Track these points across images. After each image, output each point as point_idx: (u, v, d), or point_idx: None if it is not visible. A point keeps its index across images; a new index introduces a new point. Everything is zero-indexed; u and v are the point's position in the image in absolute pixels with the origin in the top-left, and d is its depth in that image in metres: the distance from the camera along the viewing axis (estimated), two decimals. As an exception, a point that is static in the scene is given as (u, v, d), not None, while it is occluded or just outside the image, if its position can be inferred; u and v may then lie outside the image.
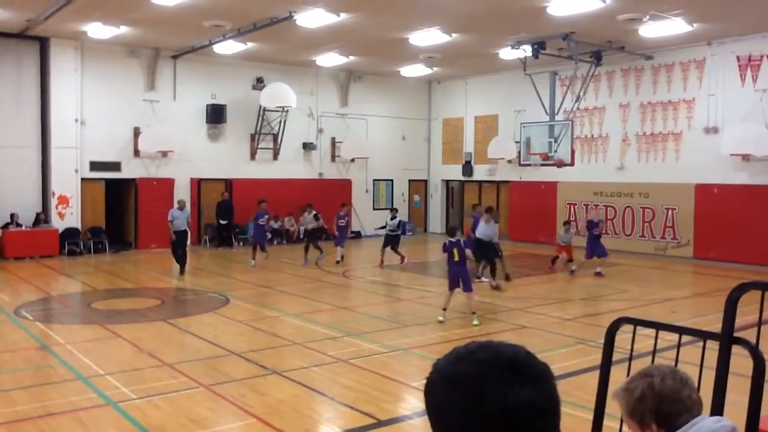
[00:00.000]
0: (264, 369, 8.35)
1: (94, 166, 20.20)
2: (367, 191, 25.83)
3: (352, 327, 10.79)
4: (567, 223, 17.75)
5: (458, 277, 10.98)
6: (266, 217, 18.49)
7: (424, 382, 1.23)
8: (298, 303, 12.95)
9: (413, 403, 7.27)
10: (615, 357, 3.48)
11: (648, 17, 15.89)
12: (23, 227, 19.03)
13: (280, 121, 22.85)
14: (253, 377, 8.05)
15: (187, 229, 16.65)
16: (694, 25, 16.51)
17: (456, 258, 10.90)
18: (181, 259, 16.32)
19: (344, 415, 6.91)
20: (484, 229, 14.62)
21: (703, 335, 3.41)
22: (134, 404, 7.09)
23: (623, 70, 20.86)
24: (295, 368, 8.42)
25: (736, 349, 3.08)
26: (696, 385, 2.18)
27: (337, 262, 17.99)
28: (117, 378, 7.99)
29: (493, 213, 15.35)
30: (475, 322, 10.84)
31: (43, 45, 19.38)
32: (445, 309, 11.03)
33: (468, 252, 11.26)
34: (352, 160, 25.05)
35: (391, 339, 9.95)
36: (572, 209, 22.20)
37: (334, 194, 22.74)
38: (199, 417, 6.74)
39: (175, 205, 17.39)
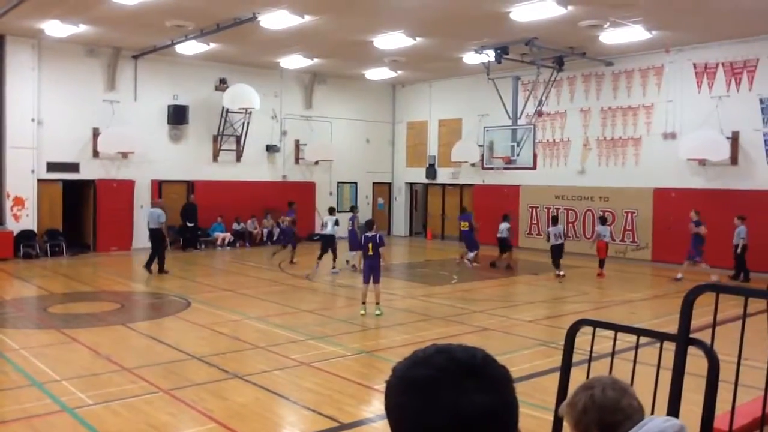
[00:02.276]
0: (225, 373, 8.25)
1: (52, 167, 19.73)
2: (331, 194, 25.76)
3: (315, 330, 10.74)
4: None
5: (371, 270, 11.61)
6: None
7: (387, 384, 1.23)
8: (261, 306, 12.83)
9: (376, 405, 7.25)
10: (575, 358, 3.52)
11: (608, 24, 16.17)
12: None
13: (244, 123, 22.66)
14: (215, 381, 7.94)
15: (159, 228, 16.57)
16: (653, 32, 16.86)
17: (370, 252, 11.55)
18: (150, 258, 16.21)
19: (306, 418, 6.87)
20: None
21: (661, 336, 3.48)
22: (91, 410, 6.94)
23: (584, 76, 21.19)
24: (257, 372, 8.33)
25: (692, 350, 3.14)
26: (639, 389, 2.25)
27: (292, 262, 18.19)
28: (74, 383, 7.82)
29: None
30: (378, 312, 11.63)
31: (-1, 42, 18.90)
32: (364, 303, 11.74)
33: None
34: (316, 163, 24.96)
35: (354, 342, 9.93)
36: (534, 212, 22.47)
37: (297, 196, 22.61)
38: (159, 422, 6.62)
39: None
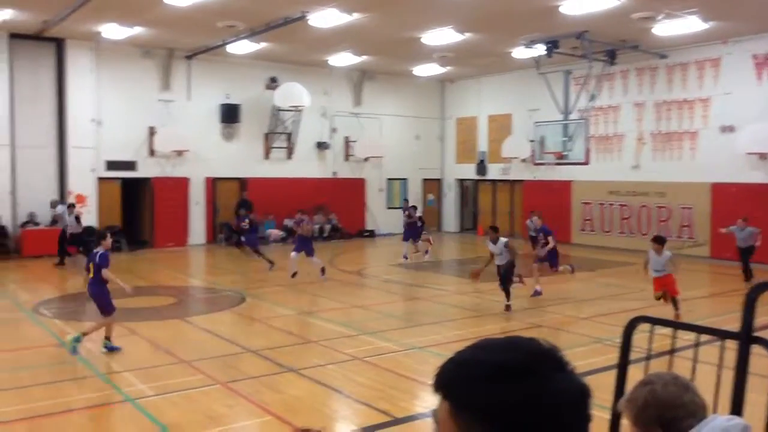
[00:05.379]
0: (280, 366, 8.40)
1: (111, 165, 20.38)
2: (381, 190, 25.86)
3: (368, 325, 10.83)
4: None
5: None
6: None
7: (458, 378, 1.14)
8: (313, 301, 13.00)
9: (429, 400, 7.29)
10: (632, 356, 3.49)
11: (662, 16, 15.81)
12: (41, 226, 19.23)
13: (294, 121, 22.94)
14: (270, 375, 8.10)
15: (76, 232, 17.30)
16: (709, 23, 16.40)
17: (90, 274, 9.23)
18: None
19: (360, 412, 6.95)
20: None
21: (722, 334, 3.41)
22: (151, 401, 7.16)
23: (638, 69, 20.75)
24: (311, 366, 8.46)
25: (755, 350, 3.08)
26: (699, 389, 2.21)
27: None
28: (135, 375, 8.08)
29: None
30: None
31: (60, 46, 19.55)
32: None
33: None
34: (366, 159, 25.09)
35: (407, 337, 9.98)
36: (588, 209, 22.13)
37: (348, 193, 22.78)
38: (216, 414, 6.80)
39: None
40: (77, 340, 8.92)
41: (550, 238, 13.79)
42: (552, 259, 13.97)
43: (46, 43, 19.35)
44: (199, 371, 8.23)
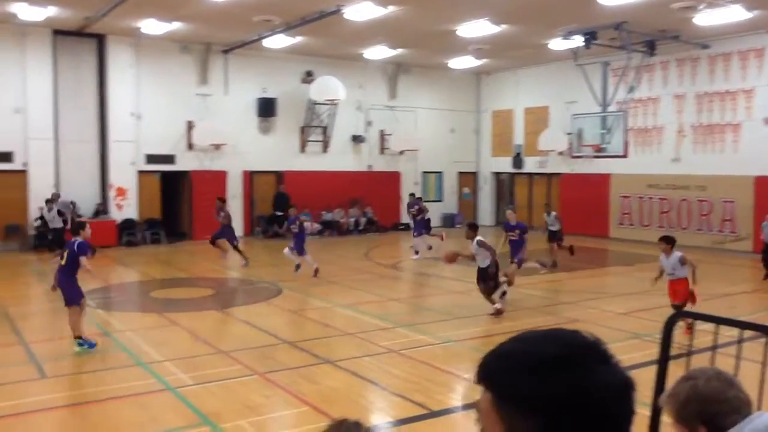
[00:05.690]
0: (316, 358, 8.48)
1: (150, 159, 20.76)
2: (416, 183, 25.86)
3: (403, 318, 10.86)
4: None
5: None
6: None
7: (501, 369, 1.15)
8: (349, 294, 13.07)
9: (465, 394, 7.30)
10: (672, 352, 3.44)
11: (704, 5, 15.47)
12: (83, 218, 19.66)
13: (329, 114, 23.05)
14: (306, 366, 8.19)
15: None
16: (753, 12, 15.99)
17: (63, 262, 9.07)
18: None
19: (396, 404, 6.98)
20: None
21: (766, 330, 3.35)
22: (192, 390, 7.30)
23: (678, 60, 20.35)
24: (347, 358, 8.53)
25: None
26: (743, 384, 2.17)
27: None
28: (175, 365, 8.24)
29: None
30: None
31: (101, 42, 19.95)
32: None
33: None
34: (401, 153, 25.09)
35: (443, 330, 9.98)
36: (627, 202, 21.81)
37: (383, 187, 22.83)
38: (255, 404, 6.91)
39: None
40: (81, 345, 8.76)
41: (525, 236, 12.71)
42: (516, 254, 12.57)
43: (87, 39, 19.76)
44: (237, 362, 8.36)
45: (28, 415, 6.73)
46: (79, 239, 8.95)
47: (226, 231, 16.28)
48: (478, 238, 10.84)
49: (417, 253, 17.57)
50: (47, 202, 17.94)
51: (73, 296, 8.92)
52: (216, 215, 16.63)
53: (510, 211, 13.95)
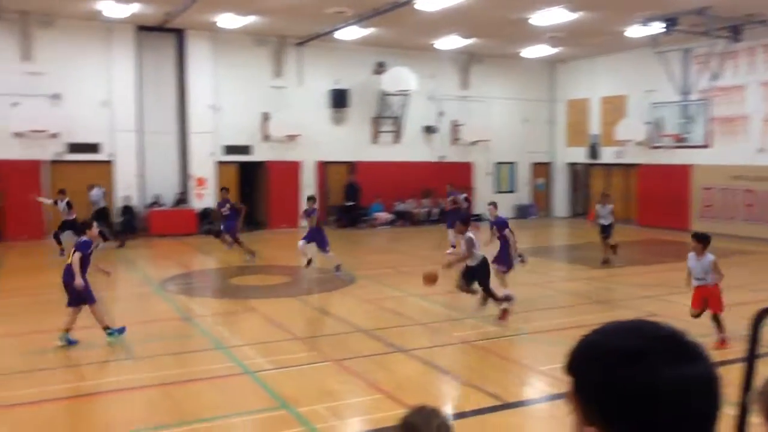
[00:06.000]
0: (390, 346, 8.58)
1: (228, 149, 21.37)
2: (488, 174, 25.64)
3: (473, 310, 10.81)
4: None
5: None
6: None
7: (580, 359, 1.19)
8: (421, 284, 13.09)
9: (540, 387, 7.25)
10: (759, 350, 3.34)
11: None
12: (165, 207, 20.49)
13: (401, 105, 23.11)
14: (380, 354, 8.30)
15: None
16: None
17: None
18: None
19: (471, 394, 6.99)
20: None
21: None
22: (269, 374, 7.52)
23: (765, 46, 19.39)
24: (420, 347, 8.60)
25: None
26: None
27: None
28: (253, 349, 8.50)
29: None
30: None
31: (180, 37, 20.63)
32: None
33: None
34: (474, 143, 24.91)
35: (516, 322, 9.91)
36: (709, 194, 21.01)
37: (455, 177, 22.70)
38: (331, 390, 7.06)
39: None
40: (112, 336, 8.68)
41: (507, 231, 11.04)
42: (503, 258, 11.05)
43: (168, 34, 20.45)
44: (313, 348, 8.55)
45: (122, 392, 7.11)
46: (84, 238, 8.88)
47: (229, 223, 15.74)
48: (469, 235, 9.99)
49: (454, 246, 16.74)
50: (58, 193, 16.67)
51: (74, 295, 8.62)
52: (219, 208, 16.26)
53: (491, 207, 13.09)
